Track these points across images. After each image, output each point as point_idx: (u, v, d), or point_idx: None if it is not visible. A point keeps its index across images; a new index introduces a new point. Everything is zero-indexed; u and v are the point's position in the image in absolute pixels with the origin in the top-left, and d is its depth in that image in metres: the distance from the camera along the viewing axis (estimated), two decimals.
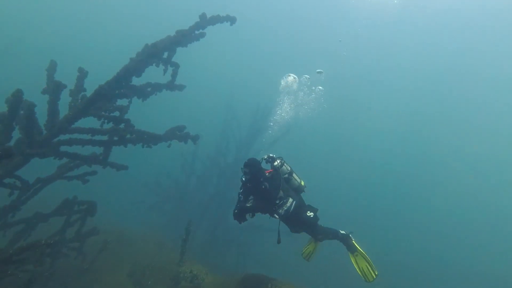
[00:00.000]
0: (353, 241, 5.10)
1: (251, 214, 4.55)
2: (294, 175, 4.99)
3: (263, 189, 4.46)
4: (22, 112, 5.52)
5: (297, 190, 5.02)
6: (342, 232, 5.17)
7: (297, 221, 4.76)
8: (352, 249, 5.08)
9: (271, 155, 4.98)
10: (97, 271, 6.86)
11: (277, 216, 4.58)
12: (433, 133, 44.46)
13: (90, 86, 5.98)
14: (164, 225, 15.05)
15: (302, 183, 5.08)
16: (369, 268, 4.91)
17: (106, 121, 5.96)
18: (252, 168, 4.55)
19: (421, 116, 44.82)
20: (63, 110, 5.79)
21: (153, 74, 7.02)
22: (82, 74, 6.09)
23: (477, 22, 34.72)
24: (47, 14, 41.62)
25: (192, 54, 7.09)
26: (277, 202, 4.57)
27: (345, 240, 5.12)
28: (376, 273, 4.89)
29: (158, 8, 43.52)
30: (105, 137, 6.11)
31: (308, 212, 4.84)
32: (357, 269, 5.00)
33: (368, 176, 38.14)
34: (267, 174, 4.66)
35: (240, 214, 4.49)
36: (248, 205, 4.50)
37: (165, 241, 9.89)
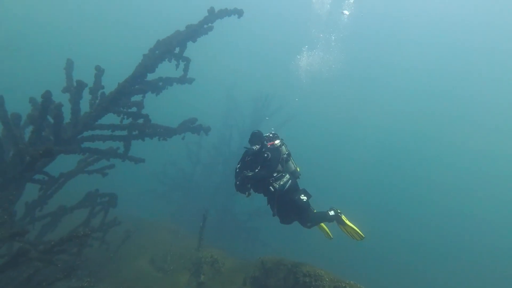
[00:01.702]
0: (342, 217, 5.29)
1: (247, 193, 4.75)
2: (291, 158, 5.19)
3: (265, 157, 4.70)
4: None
5: (293, 174, 5.15)
6: (331, 213, 5.31)
7: (290, 202, 4.85)
8: (342, 223, 5.29)
9: (273, 132, 5.23)
10: (120, 259, 7.23)
11: (272, 189, 4.73)
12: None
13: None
14: (174, 213, 15.45)
15: (298, 169, 5.27)
16: (357, 232, 5.17)
17: (125, 116, 6.25)
18: (258, 139, 4.86)
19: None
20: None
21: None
22: (100, 72, 6.29)
23: None
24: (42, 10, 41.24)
25: (191, 43, 7.28)
26: (275, 175, 4.79)
27: (336, 219, 5.31)
28: (363, 236, 5.14)
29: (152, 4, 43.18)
30: (124, 132, 6.40)
31: (302, 195, 4.94)
32: (345, 232, 5.30)
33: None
34: (268, 146, 4.94)
35: (242, 184, 4.68)
36: (249, 174, 4.68)
37: (178, 229, 10.25)
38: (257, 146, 4.83)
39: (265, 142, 4.96)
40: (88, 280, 4.84)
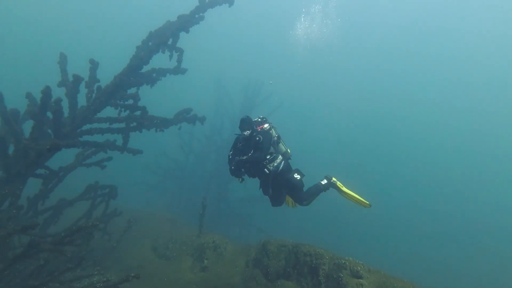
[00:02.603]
0: (338, 184, 5.29)
1: (241, 179, 4.93)
2: (281, 140, 5.30)
3: (257, 140, 4.84)
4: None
5: (284, 156, 5.26)
6: (324, 182, 5.30)
7: (284, 181, 4.98)
8: (339, 191, 5.31)
9: (262, 117, 5.33)
10: (123, 248, 7.40)
11: (267, 171, 4.89)
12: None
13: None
14: (168, 204, 15.62)
15: (289, 150, 5.38)
16: (361, 200, 5.16)
17: (122, 109, 6.33)
18: (248, 124, 4.99)
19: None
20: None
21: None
22: (94, 65, 6.30)
23: None
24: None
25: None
26: (268, 157, 4.94)
27: (331, 187, 5.31)
28: (368, 203, 5.10)
29: None
30: (122, 125, 6.48)
31: (296, 174, 5.03)
32: (352, 200, 5.24)
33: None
34: (258, 130, 5.04)
35: (237, 168, 4.82)
36: (243, 158, 4.83)
37: (176, 218, 10.44)
38: (248, 131, 4.96)
39: (255, 127, 5.06)
40: (98, 269, 5.02)
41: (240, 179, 5.01)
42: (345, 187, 5.30)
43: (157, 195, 16.83)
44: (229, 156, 5.18)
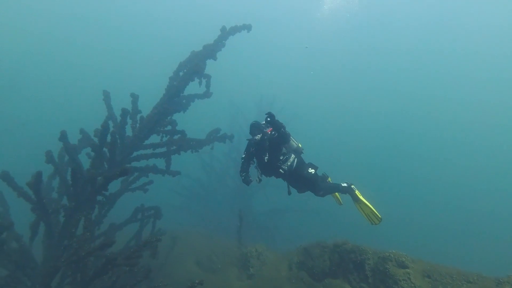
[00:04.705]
0: (356, 192, 5.34)
1: (258, 179, 5.25)
2: (291, 137, 5.40)
3: (274, 137, 5.09)
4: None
5: (296, 151, 5.45)
6: (344, 185, 5.40)
7: (300, 177, 5.23)
8: (355, 199, 5.35)
9: (267, 118, 5.45)
10: (170, 265, 7.89)
11: (282, 172, 5.16)
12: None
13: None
14: (196, 222, 16.10)
15: (300, 145, 5.55)
16: (374, 213, 5.19)
17: (164, 134, 6.98)
18: (258, 128, 5.28)
19: None
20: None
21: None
22: (135, 98, 6.97)
23: None
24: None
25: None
26: (281, 158, 5.20)
27: (348, 192, 5.40)
28: (380, 217, 5.14)
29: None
30: (164, 149, 7.11)
31: (310, 169, 5.29)
32: (363, 214, 5.31)
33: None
34: (268, 132, 5.25)
35: (245, 180, 5.21)
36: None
37: (211, 234, 10.91)
38: (259, 135, 5.21)
39: (264, 130, 5.29)
40: (161, 280, 5.51)
41: (258, 179, 5.34)
42: (363, 197, 5.36)
43: (185, 215, 17.35)
44: (242, 159, 5.47)
